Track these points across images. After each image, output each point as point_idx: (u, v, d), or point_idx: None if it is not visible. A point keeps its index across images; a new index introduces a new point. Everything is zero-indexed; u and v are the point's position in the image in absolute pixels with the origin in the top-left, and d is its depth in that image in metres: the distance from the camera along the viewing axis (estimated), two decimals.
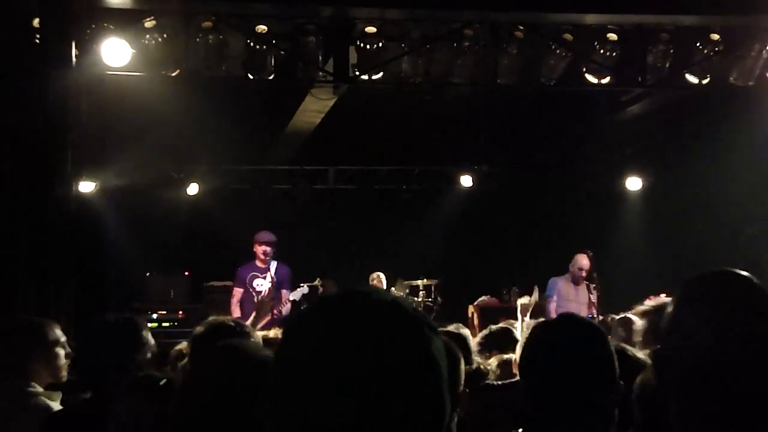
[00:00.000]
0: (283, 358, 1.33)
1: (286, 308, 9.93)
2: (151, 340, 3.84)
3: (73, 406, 3.65)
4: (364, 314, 1.30)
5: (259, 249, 9.95)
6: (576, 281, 10.28)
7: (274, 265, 9.97)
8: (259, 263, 10.00)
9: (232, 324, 4.07)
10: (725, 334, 1.90)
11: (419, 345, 1.30)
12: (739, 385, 1.85)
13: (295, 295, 10.17)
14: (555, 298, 10.31)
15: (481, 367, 4.36)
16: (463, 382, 3.08)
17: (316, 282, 10.77)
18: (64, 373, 4.07)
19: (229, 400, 2.17)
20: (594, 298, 9.82)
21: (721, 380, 1.86)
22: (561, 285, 10.38)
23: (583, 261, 10.23)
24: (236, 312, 9.69)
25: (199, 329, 4.10)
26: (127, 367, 3.61)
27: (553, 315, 10.19)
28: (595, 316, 9.43)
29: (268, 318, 9.68)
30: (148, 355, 3.76)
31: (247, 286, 9.94)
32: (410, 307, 1.34)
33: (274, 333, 4.80)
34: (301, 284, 10.39)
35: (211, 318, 4.22)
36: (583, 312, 9.86)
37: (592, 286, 10.00)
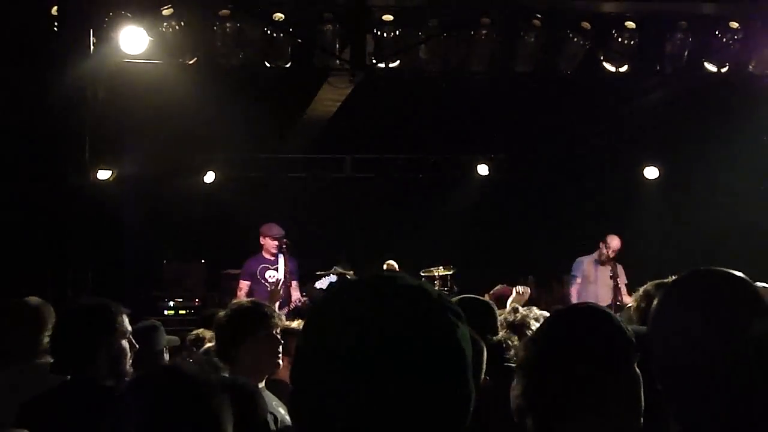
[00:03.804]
0: (307, 342, 1.33)
1: (297, 298, 9.92)
2: (126, 327, 3.72)
3: (50, 389, 3.64)
4: (389, 299, 1.29)
5: (272, 243, 9.88)
6: (602, 262, 10.20)
7: (281, 257, 9.92)
8: (267, 255, 9.95)
9: (254, 306, 4.08)
10: (713, 332, 1.90)
11: (444, 331, 1.29)
12: (726, 382, 1.85)
13: (322, 284, 10.16)
14: (579, 279, 10.27)
15: (510, 341, 4.16)
16: (484, 370, 3.05)
17: (333, 270, 10.77)
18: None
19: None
20: (620, 281, 9.78)
21: (708, 376, 1.86)
22: (585, 266, 10.31)
23: (614, 242, 10.21)
24: None
25: (221, 315, 4.10)
26: (96, 354, 3.59)
27: (575, 297, 10.18)
28: (621, 299, 9.39)
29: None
30: (123, 342, 3.67)
31: (258, 278, 9.87)
32: (435, 293, 1.33)
33: (298, 323, 4.78)
34: (327, 273, 10.39)
35: (233, 302, 4.22)
36: (605, 294, 9.81)
37: (619, 267, 9.97)
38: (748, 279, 2.03)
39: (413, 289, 1.32)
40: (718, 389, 1.87)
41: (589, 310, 2.41)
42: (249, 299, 4.34)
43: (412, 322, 1.27)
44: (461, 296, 4.20)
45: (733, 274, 2.03)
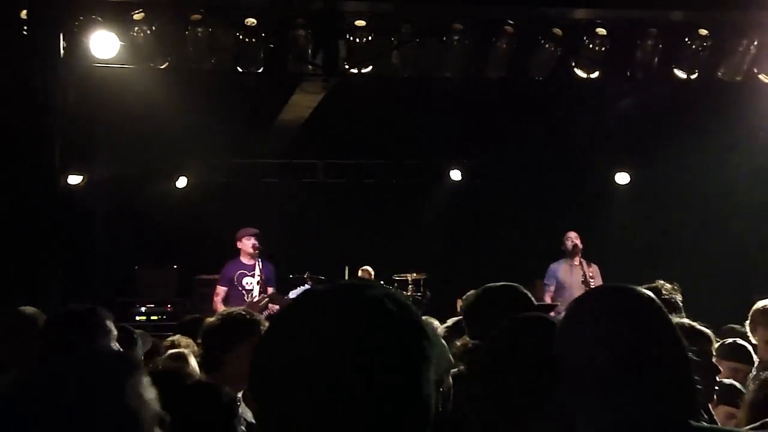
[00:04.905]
0: (267, 353, 1.32)
1: (272, 310, 9.90)
2: (114, 331, 3.82)
3: None
4: (349, 310, 1.30)
5: (248, 243, 9.84)
6: (571, 256, 10.20)
7: (258, 263, 9.89)
8: (245, 260, 9.89)
9: (245, 314, 4.12)
10: (609, 348, 1.98)
11: (403, 344, 1.29)
12: (617, 391, 1.94)
13: (296, 293, 10.14)
14: (552, 287, 10.28)
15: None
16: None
17: (305, 275, 10.77)
18: None
19: None
20: (595, 282, 9.78)
21: (600, 385, 1.94)
22: (561, 271, 10.32)
23: (572, 234, 10.25)
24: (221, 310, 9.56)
25: (211, 321, 4.14)
26: None
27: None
28: None
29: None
30: (113, 344, 3.75)
31: (235, 285, 9.83)
32: (398, 305, 1.32)
33: None
34: (301, 278, 10.40)
35: (223, 310, 4.26)
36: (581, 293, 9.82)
37: (594, 268, 9.99)
38: (650, 296, 2.10)
39: (375, 300, 1.31)
40: (610, 397, 1.98)
41: (536, 319, 2.46)
42: (241, 308, 4.41)
43: (371, 335, 1.27)
44: (490, 285, 4.02)
45: (641, 293, 2.11)
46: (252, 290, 9.78)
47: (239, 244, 9.94)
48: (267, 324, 4.13)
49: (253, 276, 9.82)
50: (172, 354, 4.93)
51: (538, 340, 2.30)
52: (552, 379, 2.19)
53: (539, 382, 2.24)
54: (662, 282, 4.98)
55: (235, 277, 9.82)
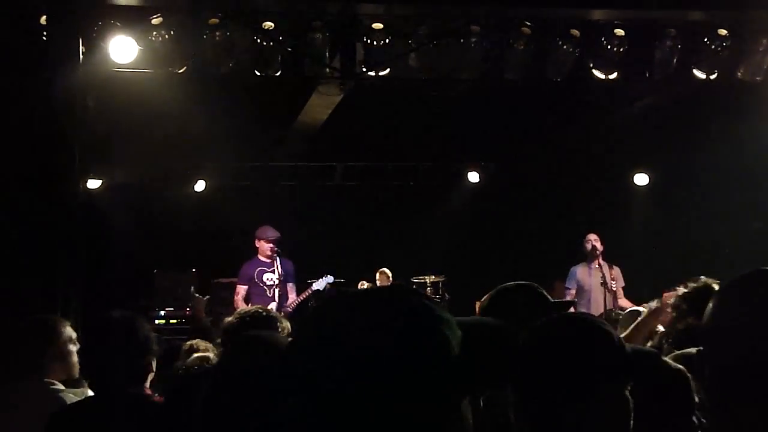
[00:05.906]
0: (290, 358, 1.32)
1: (292, 304, 9.97)
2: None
3: (80, 402, 3.63)
4: (378, 317, 1.28)
5: (266, 246, 9.94)
6: (591, 258, 10.19)
7: (277, 259, 9.96)
8: (263, 258, 10.00)
9: (263, 312, 4.15)
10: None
11: (434, 355, 1.27)
12: None
13: (319, 284, 10.21)
14: (573, 291, 10.26)
15: None
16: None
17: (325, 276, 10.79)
18: (77, 370, 4.09)
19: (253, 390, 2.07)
20: (617, 284, 9.77)
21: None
22: (580, 273, 10.32)
23: (592, 236, 10.24)
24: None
25: (230, 320, 4.17)
26: (135, 364, 3.60)
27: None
28: (616, 303, 9.40)
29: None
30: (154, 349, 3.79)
31: (256, 281, 9.93)
32: (431, 315, 1.30)
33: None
34: (326, 274, 10.46)
35: (241, 308, 4.28)
36: (601, 299, 9.81)
37: (615, 270, 9.99)
38: None
39: (407, 307, 1.30)
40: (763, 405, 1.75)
41: (585, 324, 2.32)
42: (258, 306, 4.43)
43: (397, 341, 1.25)
44: (505, 285, 3.99)
45: None
46: (273, 285, 9.90)
47: (257, 244, 10.03)
48: (285, 322, 4.15)
49: (273, 272, 9.93)
50: (200, 357, 4.93)
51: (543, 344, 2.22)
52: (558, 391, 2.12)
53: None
54: (705, 278, 4.72)
55: (255, 274, 9.93)
